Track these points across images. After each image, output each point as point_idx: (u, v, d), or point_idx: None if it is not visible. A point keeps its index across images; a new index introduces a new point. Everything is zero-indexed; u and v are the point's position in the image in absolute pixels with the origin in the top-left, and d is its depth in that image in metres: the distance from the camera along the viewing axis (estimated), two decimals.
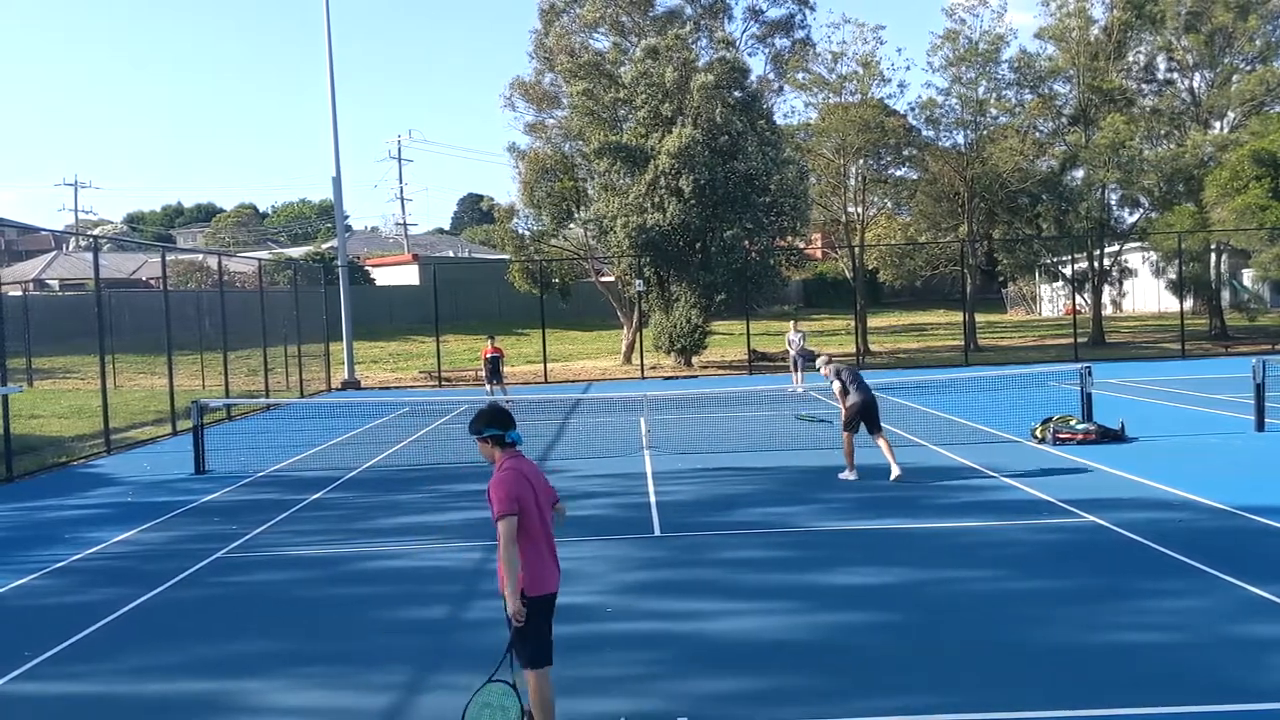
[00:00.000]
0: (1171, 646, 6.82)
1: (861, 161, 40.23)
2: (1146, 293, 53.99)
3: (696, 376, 33.40)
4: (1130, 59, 40.74)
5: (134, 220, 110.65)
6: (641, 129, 34.55)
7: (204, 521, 12.18)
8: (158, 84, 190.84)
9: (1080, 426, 15.50)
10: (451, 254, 76.08)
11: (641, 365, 34.10)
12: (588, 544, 10.26)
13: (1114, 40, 39.20)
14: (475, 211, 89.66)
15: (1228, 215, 34.71)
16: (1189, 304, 41.64)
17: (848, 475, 13.08)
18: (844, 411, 13.24)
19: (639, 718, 5.98)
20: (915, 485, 12.44)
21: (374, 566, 9.83)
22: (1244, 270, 43.76)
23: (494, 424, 5.47)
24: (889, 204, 44.14)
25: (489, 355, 26.35)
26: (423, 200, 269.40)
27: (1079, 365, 17.39)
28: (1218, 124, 39.62)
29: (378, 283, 59.35)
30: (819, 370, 13.97)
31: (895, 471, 12.65)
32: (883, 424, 13.33)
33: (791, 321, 27.24)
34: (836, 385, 13.27)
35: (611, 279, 40.42)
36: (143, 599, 8.89)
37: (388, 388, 33.54)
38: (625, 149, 33.93)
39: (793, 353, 25.87)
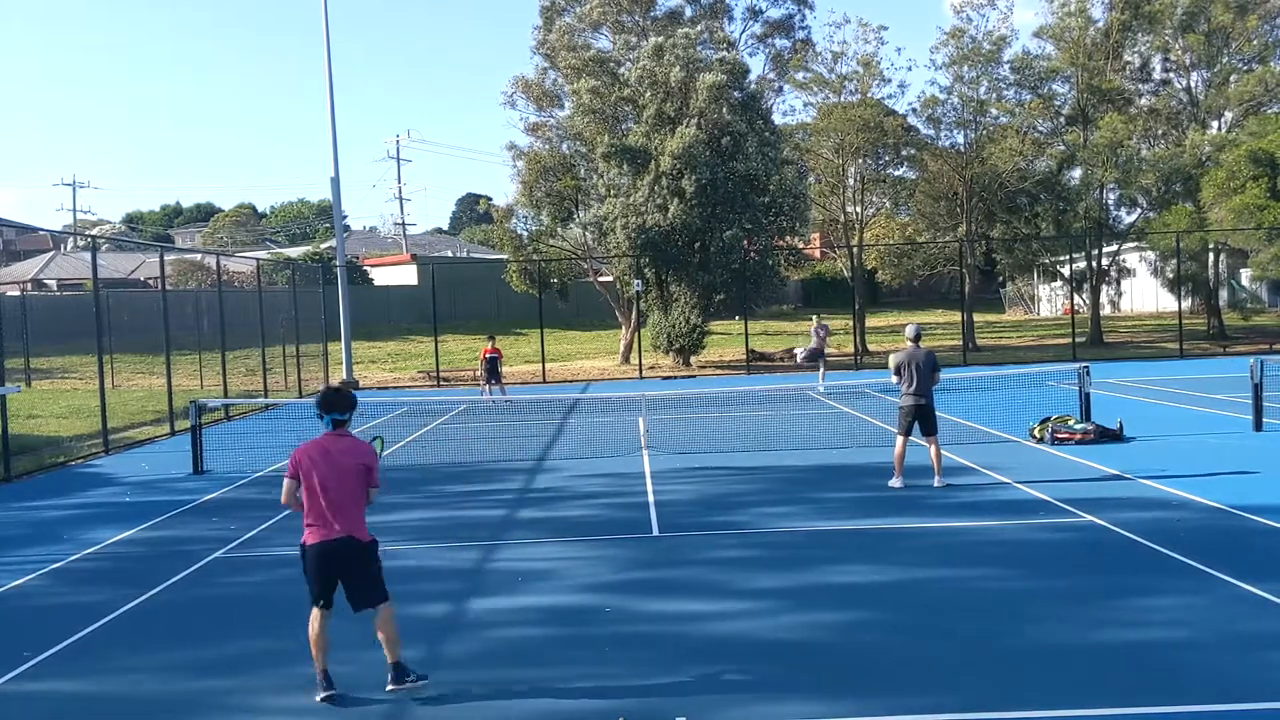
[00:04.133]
0: (1170, 646, 6.82)
1: (860, 161, 40.24)
2: (1145, 293, 54.02)
3: (695, 376, 33.40)
4: (1128, 58, 40.78)
5: (132, 220, 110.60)
6: (644, 128, 34.54)
7: (202, 521, 12.17)
8: (158, 84, 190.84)
9: (1078, 426, 15.50)
10: (450, 254, 76.03)
11: (640, 365, 34.10)
12: (586, 544, 10.27)
13: (1113, 40, 39.24)
14: (473, 212, 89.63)
15: (1225, 215, 34.74)
16: (1187, 304, 41.68)
17: (894, 483, 12.42)
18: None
19: (637, 717, 5.98)
20: (913, 485, 12.43)
21: None
22: (1242, 270, 43.80)
23: (319, 405, 6.65)
24: (888, 204, 44.17)
25: (488, 355, 26.33)
26: (421, 200, 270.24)
27: (1077, 365, 17.40)
28: (1215, 124, 39.67)
29: (376, 283, 59.32)
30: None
31: (937, 480, 12.36)
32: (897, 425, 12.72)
33: (815, 316, 27.05)
34: (894, 378, 12.61)
35: (610, 279, 40.44)
36: (141, 599, 8.88)
37: (386, 388, 33.52)
38: (630, 150, 33.92)
39: (814, 345, 25.30)
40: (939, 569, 8.88)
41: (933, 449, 12.48)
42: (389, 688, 6.41)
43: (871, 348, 39.22)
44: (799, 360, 25.14)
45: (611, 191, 34.79)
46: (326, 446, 6.49)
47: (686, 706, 6.08)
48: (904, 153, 40.75)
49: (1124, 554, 9.12)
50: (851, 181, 41.06)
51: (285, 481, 6.51)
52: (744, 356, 36.70)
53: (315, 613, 6.46)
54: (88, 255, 29.38)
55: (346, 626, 7.93)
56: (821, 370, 25.31)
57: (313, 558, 6.42)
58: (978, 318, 43.32)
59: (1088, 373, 16.47)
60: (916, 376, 12.33)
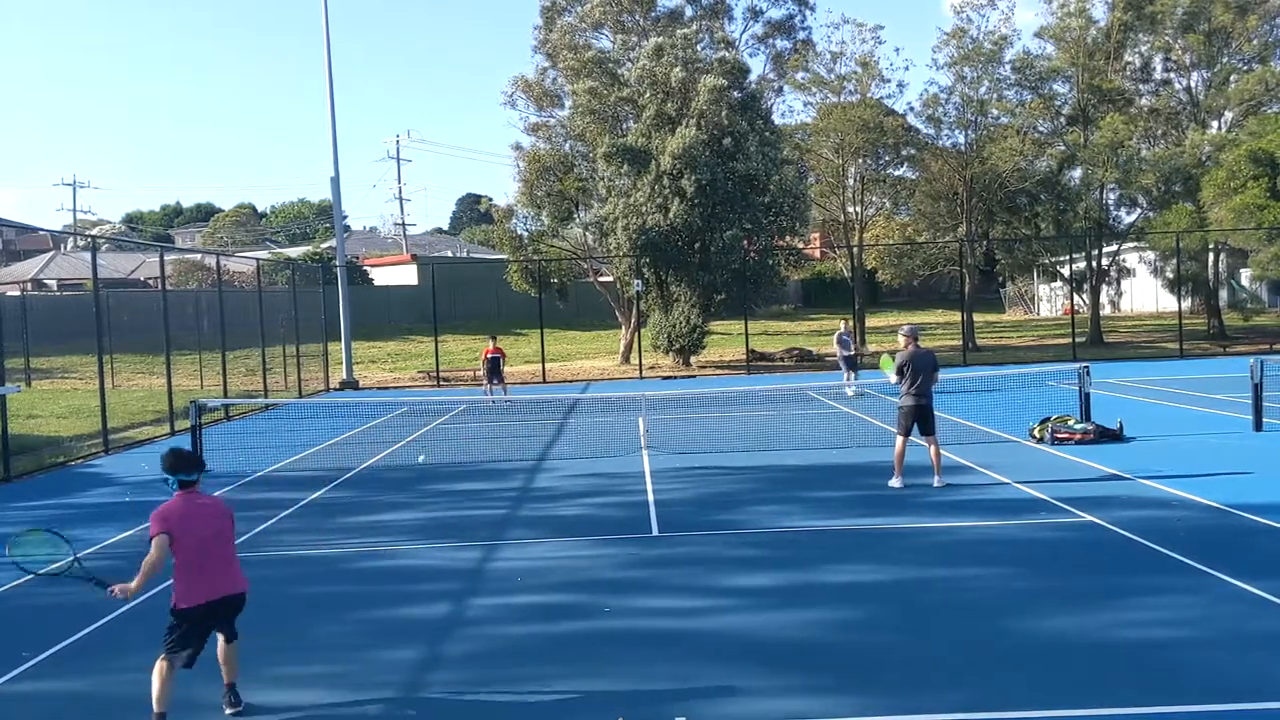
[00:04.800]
0: (1169, 646, 6.82)
1: (860, 161, 40.24)
2: (1145, 293, 54.04)
3: (694, 376, 33.40)
4: (1128, 58, 40.80)
5: (132, 220, 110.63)
6: (644, 128, 34.53)
7: None
8: (158, 84, 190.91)
9: (1078, 426, 15.50)
10: (450, 254, 76.04)
11: (640, 365, 34.10)
12: (585, 543, 10.27)
13: (1113, 40, 39.24)
14: (473, 211, 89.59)
15: (1225, 215, 34.75)
16: (1187, 304, 41.68)
17: (894, 483, 12.45)
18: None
19: (637, 717, 5.98)
20: (913, 485, 12.43)
21: (371, 566, 9.82)
22: (1242, 270, 43.81)
23: (165, 468, 6.47)
24: (888, 204, 44.20)
25: (490, 355, 26.33)
26: (421, 200, 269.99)
27: (1077, 365, 17.39)
28: (1215, 124, 39.68)
29: (376, 283, 59.33)
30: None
31: (936, 480, 12.37)
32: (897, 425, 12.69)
33: (842, 321, 27.04)
34: (893, 378, 12.58)
35: (610, 279, 40.46)
36: (141, 599, 8.84)
37: (386, 388, 33.52)
38: (631, 150, 33.92)
39: (843, 353, 25.11)
40: (939, 569, 8.88)
41: (932, 449, 12.50)
42: (227, 711, 6.34)
43: (871, 347, 39.21)
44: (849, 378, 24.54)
45: (612, 192, 34.78)
46: (189, 506, 6.29)
47: (686, 706, 6.08)
48: (904, 153, 40.77)
49: (1123, 554, 9.12)
50: (851, 181, 41.06)
51: (159, 540, 6.03)
52: (744, 356, 36.71)
53: (172, 666, 6.13)
54: (88, 255, 29.34)
55: (346, 628, 7.95)
56: (845, 374, 24.96)
57: (200, 618, 6.18)
58: (978, 318, 43.32)
59: (1088, 373, 16.46)
60: (918, 377, 12.36)
